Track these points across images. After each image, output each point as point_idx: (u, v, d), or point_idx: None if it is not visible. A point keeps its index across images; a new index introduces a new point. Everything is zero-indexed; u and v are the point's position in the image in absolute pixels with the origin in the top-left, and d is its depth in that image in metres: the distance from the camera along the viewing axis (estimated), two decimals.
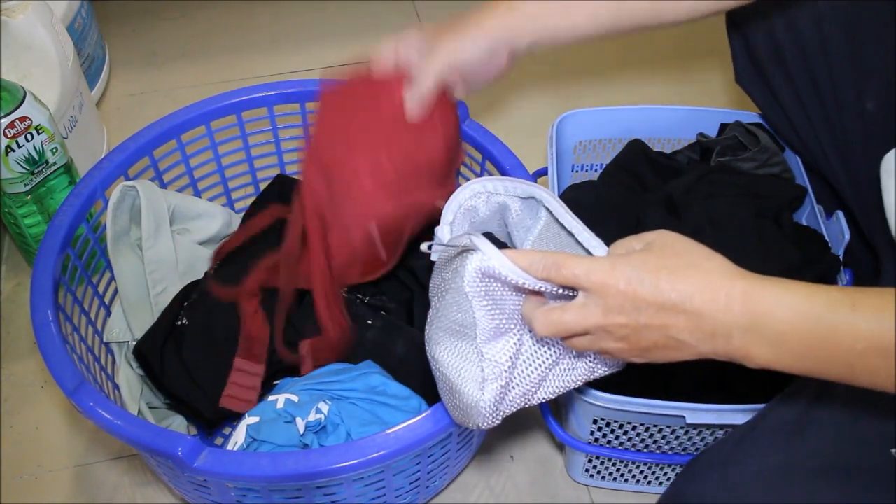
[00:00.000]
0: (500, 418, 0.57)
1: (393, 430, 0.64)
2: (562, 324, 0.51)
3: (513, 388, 0.56)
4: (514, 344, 0.56)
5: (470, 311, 0.55)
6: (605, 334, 0.51)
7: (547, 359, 0.57)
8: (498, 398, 0.55)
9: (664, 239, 0.52)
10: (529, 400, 0.58)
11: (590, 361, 0.59)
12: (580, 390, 0.71)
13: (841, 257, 0.81)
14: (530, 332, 0.56)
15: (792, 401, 0.61)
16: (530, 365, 0.57)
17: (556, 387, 0.59)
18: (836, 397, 0.58)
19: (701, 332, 0.49)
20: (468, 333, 0.56)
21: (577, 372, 0.59)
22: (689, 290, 0.48)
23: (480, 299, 0.54)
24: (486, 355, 0.55)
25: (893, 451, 0.54)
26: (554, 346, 0.57)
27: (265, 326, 0.82)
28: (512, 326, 0.56)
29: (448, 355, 0.58)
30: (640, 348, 0.51)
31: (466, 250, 0.54)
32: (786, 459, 0.56)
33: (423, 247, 0.57)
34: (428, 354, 0.61)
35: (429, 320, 0.62)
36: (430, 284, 0.62)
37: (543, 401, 0.59)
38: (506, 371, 0.55)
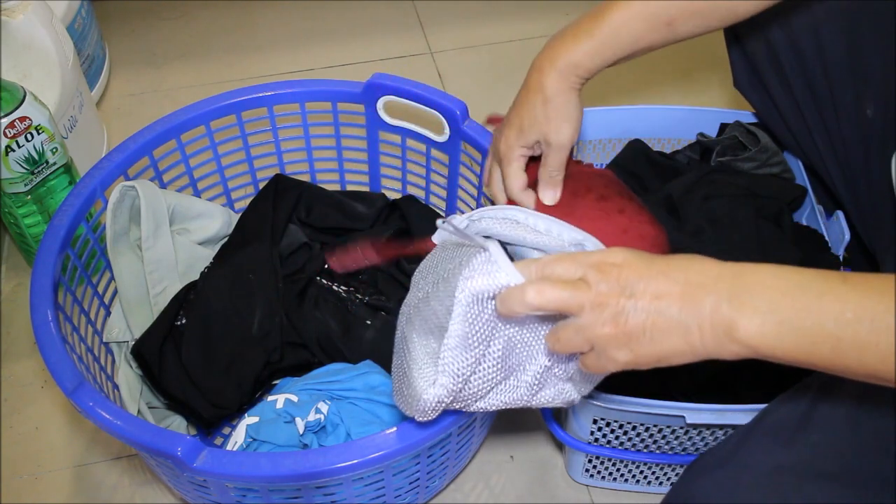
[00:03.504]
0: (435, 415, 0.58)
1: (392, 430, 0.64)
2: (553, 293, 0.50)
3: (459, 399, 0.57)
4: (474, 362, 0.55)
5: (449, 313, 0.54)
6: (594, 315, 0.50)
7: (496, 375, 0.57)
8: (440, 401, 0.56)
9: None
10: (468, 407, 0.59)
11: (536, 381, 0.58)
12: None
13: (841, 257, 0.81)
14: (497, 343, 0.56)
15: (794, 400, 0.61)
16: (481, 382, 0.57)
17: (497, 402, 0.59)
18: (839, 396, 0.58)
19: (692, 305, 0.48)
20: (440, 332, 0.56)
21: (520, 391, 0.59)
22: (682, 265, 0.50)
23: (464, 306, 0.53)
24: (444, 361, 0.55)
25: None
26: (505, 365, 0.57)
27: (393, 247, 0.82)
28: (478, 344, 0.55)
29: (416, 342, 0.59)
30: (629, 333, 0.49)
31: (473, 247, 0.54)
32: (789, 459, 0.56)
33: (439, 221, 0.59)
34: (398, 330, 0.62)
35: (409, 300, 0.62)
36: (422, 265, 0.62)
37: (481, 410, 0.60)
38: (458, 382, 0.55)
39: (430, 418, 0.58)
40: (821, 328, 0.46)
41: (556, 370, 0.59)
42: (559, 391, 0.60)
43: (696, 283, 0.49)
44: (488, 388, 0.58)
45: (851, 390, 0.58)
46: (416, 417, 0.58)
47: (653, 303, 0.49)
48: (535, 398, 0.60)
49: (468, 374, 0.55)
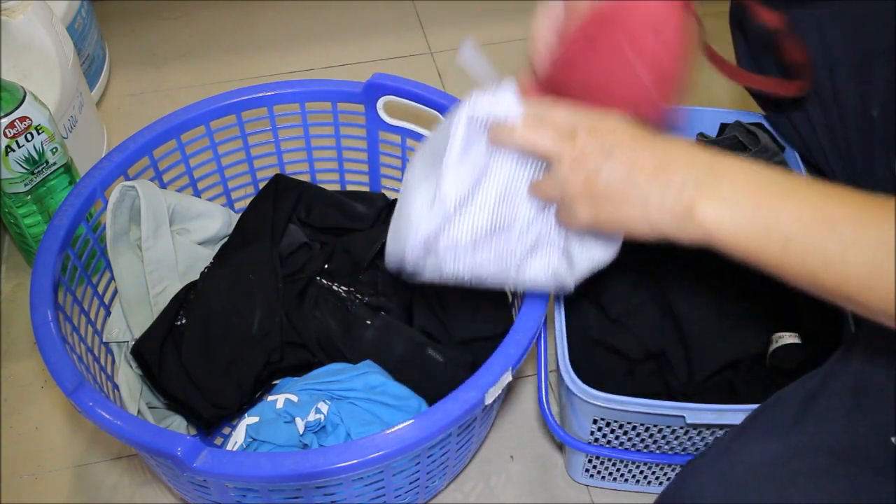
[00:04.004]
0: (426, 261, 0.60)
1: (392, 430, 0.64)
2: (539, 138, 0.54)
3: (451, 227, 0.58)
4: (468, 190, 0.57)
5: (447, 138, 0.57)
6: (571, 168, 0.53)
7: (487, 220, 0.59)
8: (435, 231, 0.58)
9: None
10: (457, 258, 0.60)
11: (524, 239, 0.60)
12: (580, 390, 0.71)
13: None
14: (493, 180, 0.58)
15: (790, 395, 0.61)
16: (472, 220, 0.58)
17: (487, 260, 0.60)
18: (834, 391, 0.58)
19: (659, 181, 0.50)
20: (438, 163, 0.58)
21: (509, 248, 0.60)
22: (666, 145, 0.52)
23: (464, 126, 0.56)
24: (442, 180, 0.57)
25: (893, 439, 0.54)
26: (495, 213, 0.59)
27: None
28: (472, 170, 0.57)
29: (416, 172, 0.61)
30: (595, 193, 0.52)
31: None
32: (784, 450, 0.56)
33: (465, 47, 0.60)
34: (403, 180, 0.64)
35: (417, 153, 0.64)
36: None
37: (470, 276, 0.61)
38: (452, 206, 0.57)
39: (418, 258, 0.59)
40: (776, 225, 0.46)
41: (543, 232, 0.60)
42: (548, 263, 0.61)
43: (670, 161, 0.50)
44: (477, 231, 0.58)
45: (847, 385, 0.59)
46: (409, 256, 0.59)
47: (626, 169, 0.51)
48: (524, 266, 0.60)
49: (462, 198, 0.57)
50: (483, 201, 0.58)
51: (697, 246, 0.50)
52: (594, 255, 0.62)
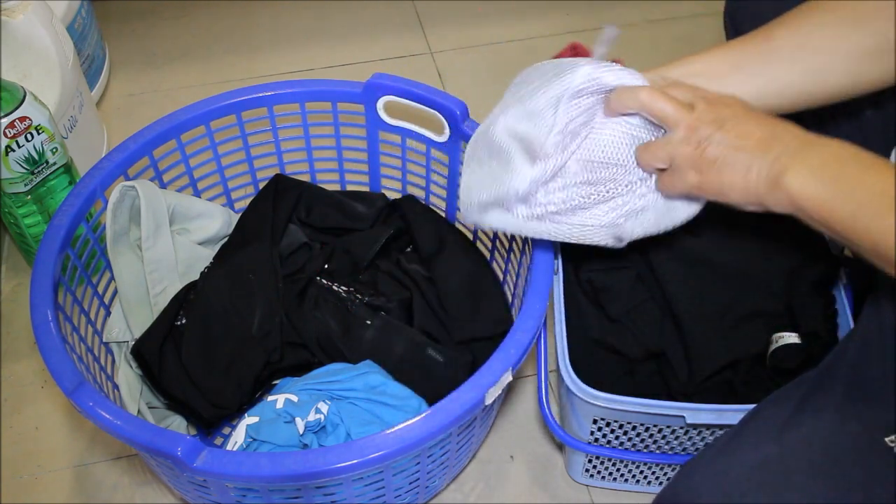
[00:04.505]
0: (532, 215, 0.64)
1: (392, 430, 0.64)
2: (661, 102, 0.58)
3: (556, 180, 0.62)
4: (577, 144, 0.61)
5: (559, 100, 0.60)
6: (685, 135, 0.57)
7: (590, 186, 0.63)
8: (539, 178, 0.61)
9: None
10: (557, 218, 0.64)
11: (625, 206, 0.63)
12: (580, 390, 0.71)
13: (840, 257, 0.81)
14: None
15: (785, 397, 0.61)
16: (571, 179, 0.62)
17: (585, 221, 0.64)
18: (828, 392, 0.58)
19: (762, 150, 0.54)
20: (540, 121, 0.61)
21: (611, 215, 0.64)
22: (775, 121, 0.57)
23: (576, 92, 0.60)
24: (549, 140, 0.60)
25: (888, 439, 0.55)
26: (603, 173, 0.62)
27: None
28: (580, 136, 0.61)
29: (514, 121, 0.63)
30: (704, 158, 0.56)
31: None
32: (779, 450, 0.57)
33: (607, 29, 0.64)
34: (481, 129, 0.66)
35: (503, 103, 0.65)
36: (518, 79, 0.66)
37: (568, 236, 0.65)
38: (558, 161, 0.61)
39: (526, 213, 0.63)
40: (851, 191, 0.51)
41: (639, 195, 0.63)
42: (612, 221, 0.64)
43: (775, 135, 0.55)
44: (573, 195, 0.63)
45: (841, 386, 0.59)
46: (510, 201, 0.62)
47: (734, 139, 0.55)
48: (615, 224, 0.64)
49: (563, 161, 0.61)
50: (583, 165, 0.62)
51: (786, 213, 0.55)
52: (677, 215, 0.65)
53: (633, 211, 0.64)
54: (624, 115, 0.62)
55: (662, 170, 0.61)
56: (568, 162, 0.62)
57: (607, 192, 0.63)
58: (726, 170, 0.56)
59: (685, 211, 0.64)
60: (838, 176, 0.52)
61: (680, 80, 0.62)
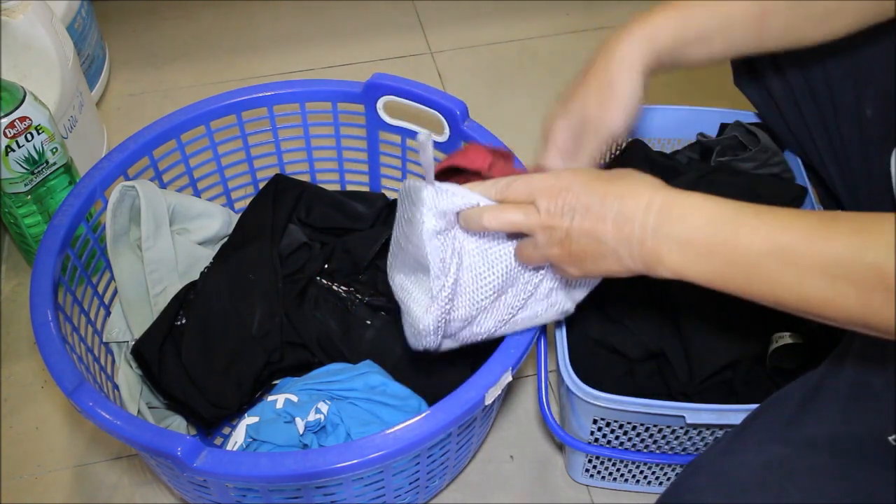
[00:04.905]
0: (447, 343, 0.65)
1: (392, 430, 0.64)
2: (507, 217, 0.58)
3: (455, 310, 0.63)
4: (454, 272, 0.61)
5: (422, 246, 0.61)
6: (545, 237, 0.57)
7: (488, 285, 0.63)
8: (438, 323, 0.62)
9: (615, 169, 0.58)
10: (474, 328, 0.65)
11: (527, 293, 0.64)
12: (580, 390, 0.71)
13: None
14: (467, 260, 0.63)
15: (789, 396, 0.61)
16: (471, 292, 0.63)
17: (499, 318, 0.65)
18: (832, 391, 0.58)
19: (622, 235, 0.53)
20: (420, 265, 0.62)
21: (519, 308, 0.65)
22: (619, 191, 0.54)
23: (432, 237, 0.60)
24: (434, 288, 0.61)
25: (891, 438, 0.55)
26: (492, 274, 0.62)
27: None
28: (455, 259, 0.61)
29: (404, 280, 0.66)
30: (573, 254, 0.56)
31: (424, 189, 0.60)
32: (783, 450, 0.56)
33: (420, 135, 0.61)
34: (389, 279, 0.69)
35: (391, 251, 0.68)
36: (396, 216, 0.66)
37: (491, 333, 0.66)
38: (447, 293, 0.61)
39: (435, 344, 0.64)
40: (732, 261, 0.50)
41: (541, 281, 0.64)
42: (553, 301, 0.66)
43: (626, 216, 0.53)
44: (481, 303, 0.63)
45: (844, 385, 0.59)
46: (424, 345, 0.64)
47: (591, 228, 0.55)
48: (530, 309, 0.65)
49: (450, 288, 0.61)
50: (476, 277, 0.63)
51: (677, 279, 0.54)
52: (590, 281, 0.66)
53: (554, 288, 0.65)
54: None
55: None
56: (460, 280, 0.62)
57: (514, 295, 0.64)
58: (600, 261, 0.56)
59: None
60: (711, 248, 0.50)
61: (512, 176, 0.60)
